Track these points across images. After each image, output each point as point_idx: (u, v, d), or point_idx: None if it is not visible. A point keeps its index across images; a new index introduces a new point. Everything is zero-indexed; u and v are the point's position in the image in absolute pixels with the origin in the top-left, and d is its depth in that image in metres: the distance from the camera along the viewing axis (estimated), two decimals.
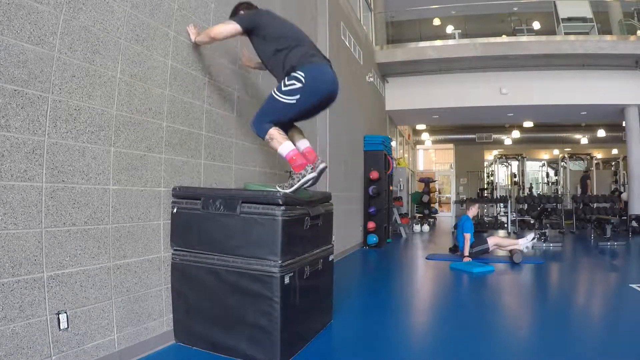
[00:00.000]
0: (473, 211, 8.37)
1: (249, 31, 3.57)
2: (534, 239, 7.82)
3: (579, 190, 16.71)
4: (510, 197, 15.23)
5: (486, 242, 7.68)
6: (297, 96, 3.36)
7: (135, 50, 3.15)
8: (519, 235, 11.14)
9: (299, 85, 3.33)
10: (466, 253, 7.64)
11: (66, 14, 2.60)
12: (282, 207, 3.06)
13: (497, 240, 7.81)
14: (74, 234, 2.67)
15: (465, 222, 7.92)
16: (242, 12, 3.75)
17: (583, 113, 14.19)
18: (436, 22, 14.90)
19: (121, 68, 3.02)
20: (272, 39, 3.53)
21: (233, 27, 3.51)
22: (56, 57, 2.54)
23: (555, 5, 12.79)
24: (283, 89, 3.37)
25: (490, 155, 24.75)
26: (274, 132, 3.42)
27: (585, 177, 16.82)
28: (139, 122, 3.18)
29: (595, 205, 13.29)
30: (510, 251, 7.64)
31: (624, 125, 13.21)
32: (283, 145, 3.40)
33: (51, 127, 2.52)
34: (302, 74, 3.34)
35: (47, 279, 2.49)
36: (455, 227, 12.19)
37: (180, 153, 3.63)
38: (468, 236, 7.69)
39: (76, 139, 2.68)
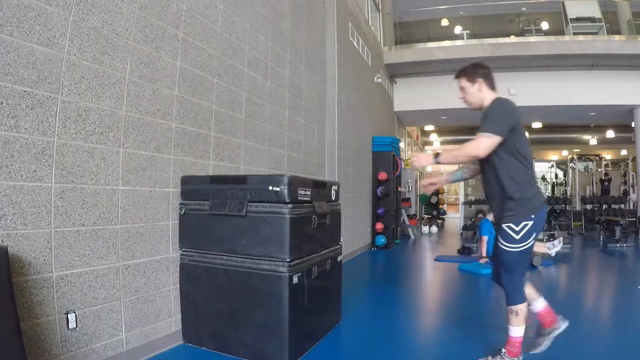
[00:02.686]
0: (492, 216, 8.33)
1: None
2: (561, 242, 7.78)
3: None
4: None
5: None
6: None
7: (144, 51, 3.17)
8: None
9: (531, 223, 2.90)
10: (483, 254, 7.61)
11: (75, 16, 2.61)
12: (290, 205, 3.06)
13: None
14: (83, 234, 2.68)
15: (482, 225, 7.93)
16: (480, 81, 3.12)
17: (592, 114, 14.10)
18: (444, 22, 14.88)
19: (130, 69, 3.03)
20: (519, 154, 2.93)
21: (493, 140, 2.79)
22: (65, 58, 2.56)
23: (563, 5, 12.72)
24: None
25: None
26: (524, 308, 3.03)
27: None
28: (147, 123, 3.19)
29: (604, 206, 13.22)
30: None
31: (633, 125, 13.12)
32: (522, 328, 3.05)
33: (60, 128, 2.53)
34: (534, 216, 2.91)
35: (56, 278, 2.50)
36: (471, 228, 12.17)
37: (189, 154, 3.63)
38: (485, 238, 7.66)
39: (85, 139, 2.69)
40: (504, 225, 2.93)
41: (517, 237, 2.88)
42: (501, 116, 2.85)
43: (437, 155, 2.99)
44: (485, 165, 3.05)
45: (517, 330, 3.02)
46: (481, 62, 3.19)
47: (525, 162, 2.91)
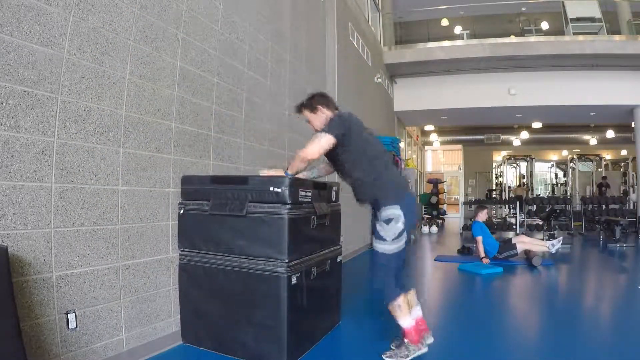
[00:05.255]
0: (481, 217, 8.33)
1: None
2: (560, 241, 7.77)
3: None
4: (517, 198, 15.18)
5: (515, 248, 7.62)
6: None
7: (144, 51, 3.17)
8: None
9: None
10: (481, 255, 7.61)
11: (75, 16, 2.61)
12: (288, 206, 3.05)
13: (527, 246, 7.69)
14: (83, 234, 2.68)
15: (473, 227, 7.96)
16: (321, 107, 3.32)
17: (592, 114, 14.10)
18: (444, 22, 14.86)
19: (130, 69, 3.04)
20: (358, 152, 3.17)
21: (327, 140, 3.05)
22: (65, 58, 2.56)
23: (563, 5, 12.71)
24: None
25: (498, 156, 24.68)
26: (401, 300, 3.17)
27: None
28: (147, 123, 3.19)
29: (604, 206, 13.22)
30: (526, 252, 7.57)
31: (633, 125, 13.12)
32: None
33: (60, 128, 2.53)
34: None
35: (56, 278, 2.50)
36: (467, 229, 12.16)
37: (189, 154, 3.63)
38: (480, 239, 7.67)
39: (85, 139, 2.69)
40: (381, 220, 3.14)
41: (389, 236, 3.08)
42: (334, 122, 3.12)
43: (287, 169, 3.20)
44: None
45: (406, 321, 3.18)
46: (318, 92, 3.49)
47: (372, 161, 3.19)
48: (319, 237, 3.52)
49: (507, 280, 6.27)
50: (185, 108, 3.60)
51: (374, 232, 3.18)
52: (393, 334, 3.68)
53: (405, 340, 3.20)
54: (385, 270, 3.15)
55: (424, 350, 3.24)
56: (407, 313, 3.19)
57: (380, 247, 3.11)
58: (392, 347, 3.26)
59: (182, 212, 3.42)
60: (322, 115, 3.29)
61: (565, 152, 23.65)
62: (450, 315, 4.60)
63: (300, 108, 3.40)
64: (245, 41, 4.52)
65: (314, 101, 3.35)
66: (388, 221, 3.07)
